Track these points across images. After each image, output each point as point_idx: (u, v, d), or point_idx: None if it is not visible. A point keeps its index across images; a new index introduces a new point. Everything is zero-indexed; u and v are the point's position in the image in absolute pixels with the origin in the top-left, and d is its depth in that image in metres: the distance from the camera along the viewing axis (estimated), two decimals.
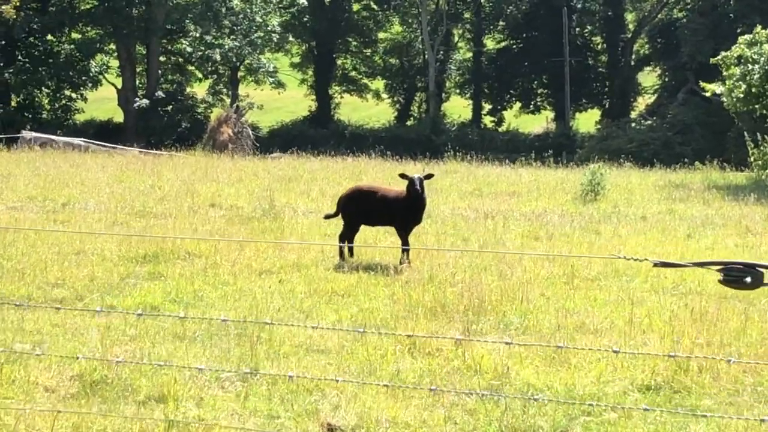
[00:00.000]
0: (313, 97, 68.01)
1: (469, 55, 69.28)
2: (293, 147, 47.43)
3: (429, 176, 14.82)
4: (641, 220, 20.44)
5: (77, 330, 10.49)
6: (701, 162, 36.24)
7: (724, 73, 31.98)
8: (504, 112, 67.01)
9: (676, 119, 51.01)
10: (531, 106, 66.87)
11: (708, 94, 35.57)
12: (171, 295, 12.12)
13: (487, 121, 67.05)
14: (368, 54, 69.82)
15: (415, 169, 31.17)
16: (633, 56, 65.39)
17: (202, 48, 59.31)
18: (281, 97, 65.84)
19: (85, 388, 8.46)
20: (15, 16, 43.80)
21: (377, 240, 16.28)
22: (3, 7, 41.26)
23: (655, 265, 3.23)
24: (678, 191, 26.81)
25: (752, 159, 30.63)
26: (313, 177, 28.55)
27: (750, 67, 30.89)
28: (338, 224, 15.67)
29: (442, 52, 66.56)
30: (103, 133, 57.25)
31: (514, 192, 25.94)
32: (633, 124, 53.94)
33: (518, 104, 67.23)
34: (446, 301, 11.55)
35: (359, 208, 14.65)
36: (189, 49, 60.68)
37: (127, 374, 8.86)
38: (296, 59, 69.63)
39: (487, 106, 68.05)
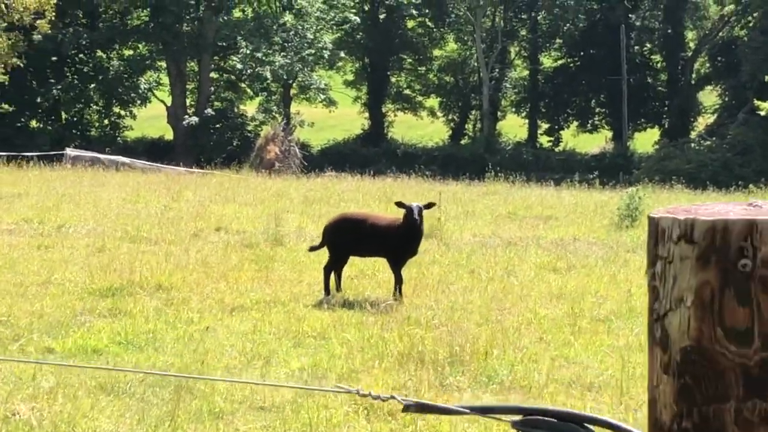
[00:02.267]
0: (367, 114, 66.83)
1: (526, 73, 67.75)
2: (344, 166, 46.36)
3: (429, 205, 13.38)
4: None
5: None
6: (761, 184, 34.39)
7: None
8: (561, 132, 65.33)
9: (735, 140, 49.09)
10: (588, 125, 65.16)
11: (763, 113, 33.75)
12: (120, 336, 10.78)
13: (544, 140, 65.42)
14: (422, 71, 68.46)
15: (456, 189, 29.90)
16: (693, 75, 63.39)
17: (253, 65, 58.36)
18: (336, 115, 64.73)
19: None
20: (50, 31, 43.13)
21: (375, 270, 14.82)
22: (38, 22, 40.50)
23: (406, 408, 1.81)
24: None
25: None
26: (341, 198, 27.22)
27: None
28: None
29: (497, 70, 65.08)
30: (153, 150, 56.61)
31: (549, 216, 24.37)
32: (692, 145, 52.10)
33: (575, 123, 65.51)
34: (424, 348, 10.09)
35: (346, 239, 13.19)
36: (240, 66, 59.73)
37: None
38: (350, 77, 68.53)
39: (543, 125, 66.43)
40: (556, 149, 63.34)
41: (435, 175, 39.13)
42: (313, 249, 14.08)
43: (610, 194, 31.46)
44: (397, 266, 13.02)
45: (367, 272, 14.79)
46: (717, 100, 61.53)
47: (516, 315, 11.70)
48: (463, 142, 64.96)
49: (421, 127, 68.17)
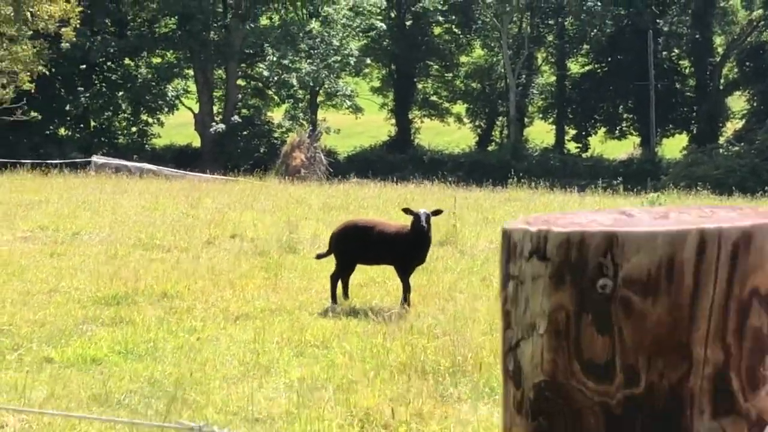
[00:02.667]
0: (393, 121, 66.58)
1: (553, 78, 67.32)
2: (370, 172, 46.23)
3: (437, 212, 13.19)
4: None
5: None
6: None
7: None
8: (589, 138, 64.83)
9: (764, 145, 48.58)
10: (616, 131, 64.63)
11: None
12: (120, 346, 10.62)
13: (572, 146, 64.91)
14: (449, 78, 68.15)
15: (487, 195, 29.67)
16: (722, 80, 62.78)
17: (279, 72, 58.27)
18: (363, 122, 64.49)
19: None
20: (75, 39, 43.18)
21: (385, 278, 14.59)
22: (62, 30, 40.53)
23: None
24: None
25: None
26: (361, 205, 27.01)
27: None
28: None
29: (524, 76, 64.72)
30: (181, 158, 56.61)
31: None
32: (720, 150, 51.60)
33: (603, 129, 65.01)
34: (426, 358, 9.87)
35: (353, 246, 12.97)
36: (266, 74, 59.65)
37: None
38: (376, 83, 68.35)
39: (571, 132, 65.95)
40: (584, 155, 62.83)
41: (459, 182, 38.85)
42: (320, 257, 13.85)
43: (634, 200, 31.15)
44: (404, 274, 12.80)
45: (377, 279, 14.57)
46: (745, 106, 60.96)
47: None
48: (490, 148, 64.58)
49: (448, 134, 67.86)
